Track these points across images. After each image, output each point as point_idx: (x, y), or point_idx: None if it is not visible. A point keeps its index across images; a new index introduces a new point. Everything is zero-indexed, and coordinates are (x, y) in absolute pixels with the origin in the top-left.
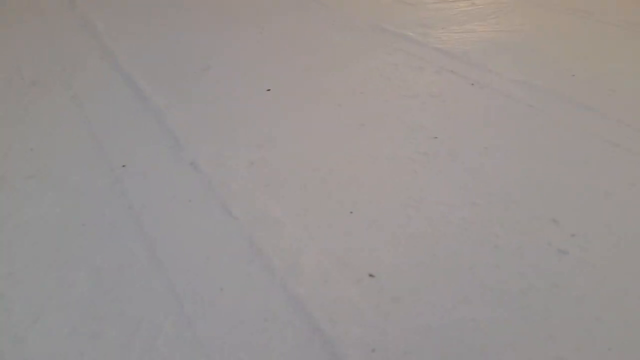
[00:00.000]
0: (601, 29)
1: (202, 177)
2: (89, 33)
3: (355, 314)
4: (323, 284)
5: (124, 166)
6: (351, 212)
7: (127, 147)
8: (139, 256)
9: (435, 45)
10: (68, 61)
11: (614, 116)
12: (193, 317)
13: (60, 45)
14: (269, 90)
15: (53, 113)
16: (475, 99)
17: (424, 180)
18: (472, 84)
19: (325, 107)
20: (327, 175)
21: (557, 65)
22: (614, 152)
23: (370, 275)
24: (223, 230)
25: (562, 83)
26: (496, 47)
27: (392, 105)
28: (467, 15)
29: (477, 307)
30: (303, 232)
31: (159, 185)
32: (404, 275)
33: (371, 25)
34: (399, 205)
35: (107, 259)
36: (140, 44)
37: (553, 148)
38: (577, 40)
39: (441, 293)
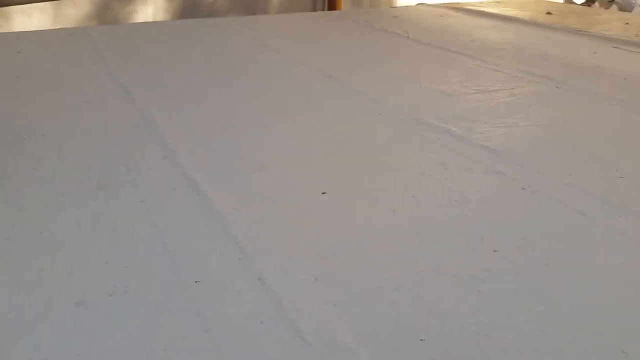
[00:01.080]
0: None
1: (271, 294)
2: (148, 129)
3: None
4: None
5: (196, 282)
6: (422, 340)
7: (197, 259)
8: None
9: (481, 142)
10: (131, 160)
11: None
12: None
13: (122, 143)
14: (324, 193)
15: (123, 220)
16: (527, 205)
17: (490, 302)
18: (523, 188)
19: (381, 213)
20: (393, 295)
21: (604, 165)
22: None
23: None
24: (299, 359)
25: (611, 187)
26: (541, 143)
27: (446, 212)
28: (508, 107)
29: None
30: None
31: (232, 303)
32: None
33: (414, 118)
34: (470, 333)
35: None
36: (199, 141)
37: (615, 266)
38: (622, 134)
39: None
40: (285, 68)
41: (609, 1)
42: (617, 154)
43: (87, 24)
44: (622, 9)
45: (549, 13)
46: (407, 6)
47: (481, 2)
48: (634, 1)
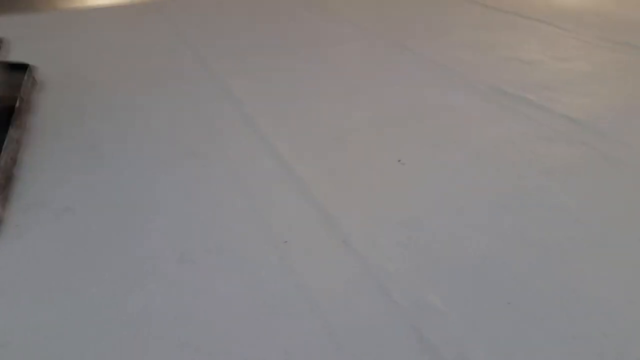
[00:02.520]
0: None
1: (357, 256)
2: (229, 100)
3: None
4: None
5: (285, 242)
6: (509, 303)
7: (285, 222)
8: (321, 340)
9: (561, 111)
10: (215, 130)
11: None
12: None
13: (205, 113)
14: (399, 161)
15: (215, 185)
16: (610, 175)
17: (578, 270)
18: (606, 159)
19: (461, 182)
20: (479, 261)
21: None
22: None
23: None
24: (388, 317)
25: None
26: (624, 113)
27: (528, 182)
28: (589, 76)
29: None
30: (466, 324)
31: (320, 263)
32: None
33: (492, 87)
34: (556, 298)
35: (293, 343)
36: (278, 111)
37: None
38: None
39: None
40: (359, 38)
41: None
42: None
43: None
44: None
45: None
46: None
47: None
48: None
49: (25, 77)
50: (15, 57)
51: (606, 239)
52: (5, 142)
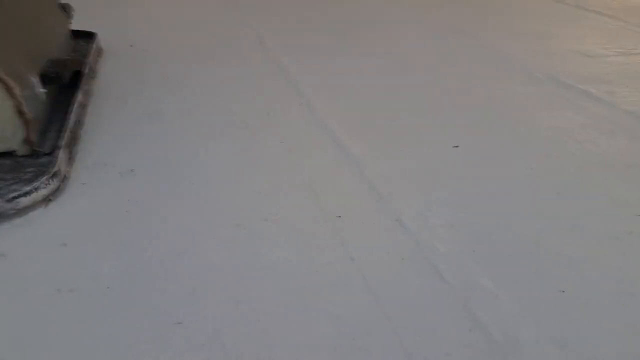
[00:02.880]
0: None
1: (409, 235)
2: (284, 78)
3: None
4: None
5: (339, 217)
6: (563, 292)
7: (338, 197)
8: (371, 313)
9: (624, 106)
10: (270, 105)
11: None
12: None
13: (261, 89)
14: (456, 146)
15: (269, 157)
16: None
17: (634, 264)
18: None
19: (517, 170)
20: (532, 247)
21: None
22: None
23: None
24: (439, 295)
25: None
26: None
27: (588, 174)
28: None
29: None
30: (517, 307)
31: (373, 239)
32: None
33: (551, 78)
34: (612, 289)
35: (342, 309)
36: (332, 91)
37: None
38: None
39: None
40: (415, 21)
41: None
42: None
43: None
44: None
45: None
46: None
47: None
48: None
49: (92, 45)
50: (78, 23)
51: None
52: (72, 105)
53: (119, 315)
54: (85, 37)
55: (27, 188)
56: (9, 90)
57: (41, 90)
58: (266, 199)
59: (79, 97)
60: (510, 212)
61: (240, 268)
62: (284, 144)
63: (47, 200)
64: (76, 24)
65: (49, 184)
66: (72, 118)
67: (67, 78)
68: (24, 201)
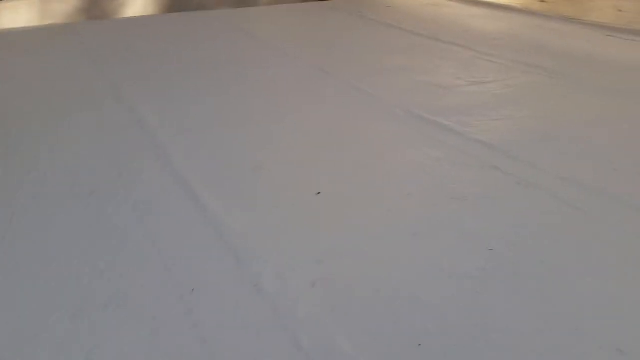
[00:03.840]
0: None
1: (268, 302)
2: (140, 129)
3: None
4: None
5: (193, 290)
6: (419, 345)
7: (192, 266)
8: None
9: (475, 135)
10: (123, 164)
11: None
12: None
13: (113, 145)
14: (318, 193)
15: (116, 227)
16: (522, 200)
17: (488, 303)
18: (518, 183)
19: (376, 213)
20: (390, 299)
21: (599, 157)
22: None
23: None
24: None
25: (606, 179)
26: (535, 136)
27: (441, 209)
28: (502, 99)
29: None
30: None
31: (228, 312)
32: None
33: (408, 112)
34: (467, 336)
35: None
36: (192, 141)
37: (610, 261)
38: (616, 125)
39: None
40: (279, 63)
41: None
42: (611, 145)
43: (76, 19)
44: None
45: (542, 1)
46: None
47: None
48: None
49: None
50: None
51: (519, 268)
52: None
53: None
54: None
55: None
56: None
57: None
58: (110, 278)
59: None
60: (368, 261)
61: None
62: (136, 211)
63: None
64: None
65: None
66: None
67: None
68: None
